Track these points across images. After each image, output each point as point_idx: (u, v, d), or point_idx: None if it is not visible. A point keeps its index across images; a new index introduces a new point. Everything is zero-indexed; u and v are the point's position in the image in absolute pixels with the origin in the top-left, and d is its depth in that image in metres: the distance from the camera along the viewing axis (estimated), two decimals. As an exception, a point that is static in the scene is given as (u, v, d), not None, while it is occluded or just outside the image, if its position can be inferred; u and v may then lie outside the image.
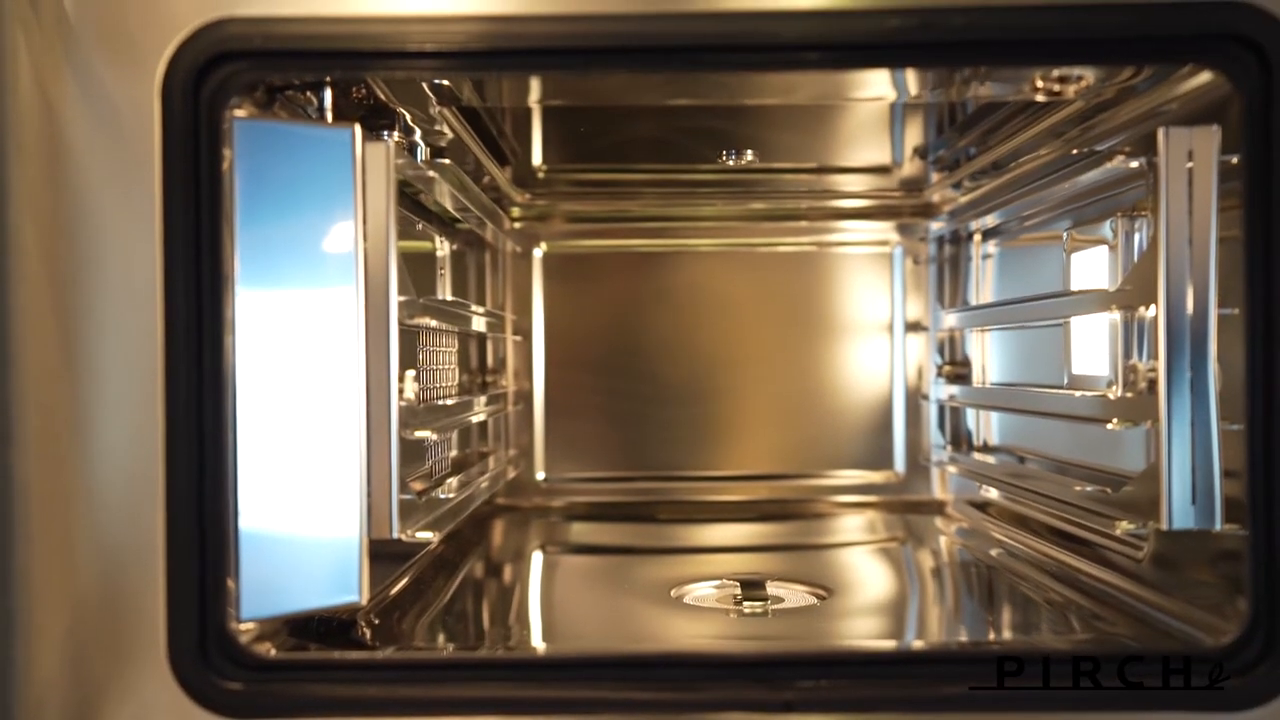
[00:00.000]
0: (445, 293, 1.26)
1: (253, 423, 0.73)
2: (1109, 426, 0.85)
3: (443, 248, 1.26)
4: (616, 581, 1.16)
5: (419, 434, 0.86)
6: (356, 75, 0.77)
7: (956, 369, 1.42)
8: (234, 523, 0.72)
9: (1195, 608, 0.80)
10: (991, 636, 0.94)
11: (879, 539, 1.36)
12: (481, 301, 1.42)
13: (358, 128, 0.76)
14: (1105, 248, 0.97)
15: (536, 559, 1.29)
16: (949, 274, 1.45)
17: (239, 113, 0.72)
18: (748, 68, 0.73)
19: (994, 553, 1.20)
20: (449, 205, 1.13)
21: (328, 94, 0.82)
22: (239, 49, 0.71)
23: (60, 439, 0.71)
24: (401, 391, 0.79)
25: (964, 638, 0.96)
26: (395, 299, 0.77)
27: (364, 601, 0.75)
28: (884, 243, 1.48)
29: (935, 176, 1.40)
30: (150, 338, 0.71)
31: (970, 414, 1.41)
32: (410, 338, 1.02)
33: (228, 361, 0.71)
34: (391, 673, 0.73)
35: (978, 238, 1.36)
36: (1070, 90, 0.79)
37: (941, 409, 1.45)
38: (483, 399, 1.27)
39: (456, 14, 0.72)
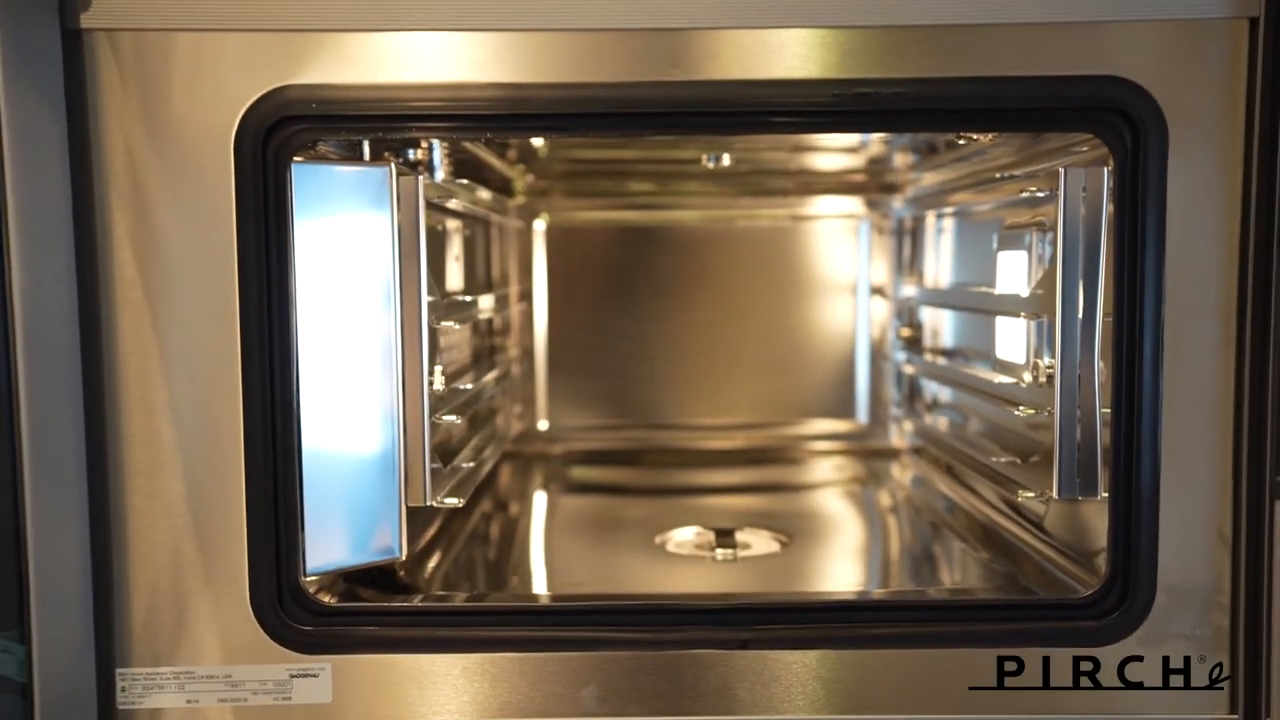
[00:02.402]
0: (457, 266, 1.42)
1: (312, 411, 0.89)
2: (1016, 412, 1.01)
3: (455, 228, 1.41)
4: (608, 526, 1.34)
5: (445, 418, 1.03)
6: (395, 134, 0.92)
7: (913, 333, 1.59)
8: (300, 498, 0.89)
9: (1075, 564, 0.98)
10: (907, 585, 1.13)
11: (839, 482, 1.54)
12: (488, 269, 1.57)
13: (393, 166, 0.91)
14: (1025, 253, 1.13)
15: (540, 499, 1.48)
16: (909, 246, 1.61)
17: (296, 158, 0.88)
18: (717, 130, 0.89)
19: (938, 505, 1.38)
20: (462, 208, 1.29)
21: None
22: (297, 113, 0.86)
23: (159, 430, 0.88)
24: (431, 384, 0.96)
25: (892, 587, 1.14)
26: (425, 303, 0.93)
27: (404, 557, 0.93)
28: (852, 216, 1.64)
29: (899, 159, 1.55)
30: (230, 348, 0.87)
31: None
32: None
33: (293, 367, 0.88)
34: (429, 618, 0.92)
35: (932, 218, 1.52)
36: (985, 138, 0.95)
37: (899, 371, 1.62)
38: (494, 371, 1.44)
39: (475, 82, 0.86)
